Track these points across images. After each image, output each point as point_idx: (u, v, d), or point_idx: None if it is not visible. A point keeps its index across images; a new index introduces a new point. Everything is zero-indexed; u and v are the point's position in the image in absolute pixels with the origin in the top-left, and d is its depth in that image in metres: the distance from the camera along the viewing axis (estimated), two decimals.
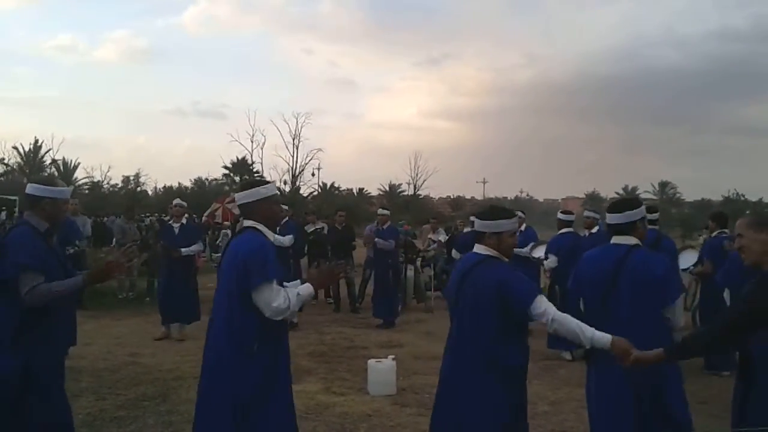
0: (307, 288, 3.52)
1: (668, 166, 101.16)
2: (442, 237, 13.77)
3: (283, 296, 3.33)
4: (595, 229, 8.86)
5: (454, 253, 10.06)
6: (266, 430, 3.33)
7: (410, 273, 12.26)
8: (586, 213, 9.34)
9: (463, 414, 3.51)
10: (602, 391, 3.70)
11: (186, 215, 9.70)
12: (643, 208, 3.92)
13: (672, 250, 7.35)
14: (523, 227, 10.40)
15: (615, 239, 3.85)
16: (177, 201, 9.75)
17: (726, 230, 7.66)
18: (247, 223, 3.55)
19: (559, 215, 9.00)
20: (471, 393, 3.49)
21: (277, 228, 9.99)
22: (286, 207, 10.96)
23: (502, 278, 3.48)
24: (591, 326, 3.38)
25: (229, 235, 19.44)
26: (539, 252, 9.19)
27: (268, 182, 3.64)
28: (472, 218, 8.53)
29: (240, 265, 3.33)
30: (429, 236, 14.09)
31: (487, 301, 3.46)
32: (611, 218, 3.89)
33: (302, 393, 6.35)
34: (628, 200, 4.26)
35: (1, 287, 3.40)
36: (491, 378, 3.46)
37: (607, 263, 3.75)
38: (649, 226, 7.23)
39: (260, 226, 3.53)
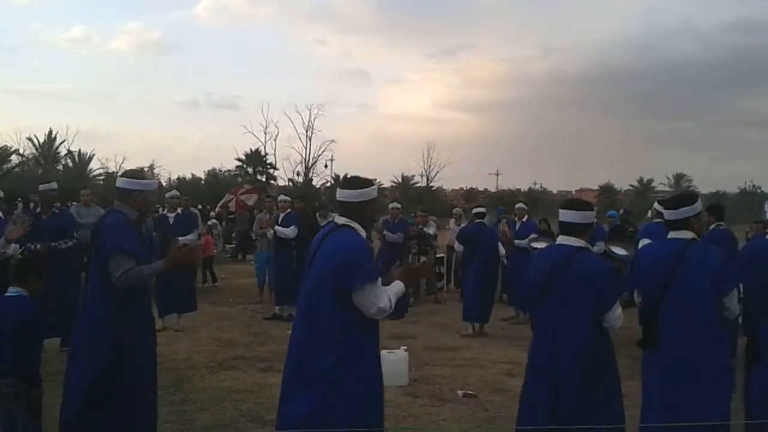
0: (399, 285, 3.49)
1: (684, 159, 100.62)
2: None
3: (387, 297, 3.33)
4: (525, 218, 10.46)
5: (457, 245, 10.05)
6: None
7: None
8: (518, 205, 10.87)
9: None
10: None
11: (181, 206, 9.82)
12: (698, 203, 3.99)
13: None
14: (524, 219, 10.51)
15: (672, 234, 3.94)
16: (172, 193, 9.92)
17: (722, 222, 7.63)
18: (342, 220, 3.48)
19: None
20: None
21: (279, 218, 10.03)
22: (289, 198, 10.96)
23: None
24: (647, 319, 3.63)
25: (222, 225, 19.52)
26: (542, 244, 9.19)
27: (373, 182, 3.64)
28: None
29: (340, 264, 3.28)
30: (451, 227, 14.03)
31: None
32: (666, 214, 4.01)
33: None
34: (685, 196, 4.26)
35: (101, 268, 3.74)
36: None
37: (666, 258, 3.82)
38: (658, 220, 7.32)
39: (355, 225, 3.47)
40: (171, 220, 9.35)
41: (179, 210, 9.61)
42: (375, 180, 3.68)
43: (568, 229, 3.76)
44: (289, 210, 10.28)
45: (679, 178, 64.24)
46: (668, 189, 62.14)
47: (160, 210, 9.65)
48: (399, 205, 11.53)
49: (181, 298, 9.08)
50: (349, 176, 3.58)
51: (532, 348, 3.74)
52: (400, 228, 10.80)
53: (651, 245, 4.27)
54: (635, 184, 64.32)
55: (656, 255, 3.98)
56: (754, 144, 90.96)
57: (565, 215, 3.77)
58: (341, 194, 3.51)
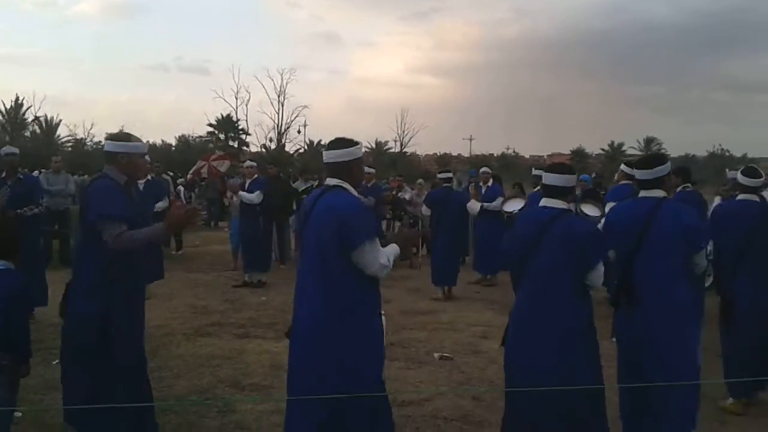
0: (394, 248, 3.56)
1: (655, 123, 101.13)
2: None
3: (386, 254, 3.42)
4: (490, 183, 10.76)
5: (424, 209, 10.07)
6: (365, 382, 3.37)
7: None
8: (483, 170, 11.27)
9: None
10: None
11: (152, 173, 9.65)
12: (669, 164, 4.11)
13: None
14: (489, 183, 10.66)
15: (643, 193, 4.03)
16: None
17: (689, 185, 7.76)
18: (333, 181, 3.53)
19: (535, 171, 9.17)
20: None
21: (246, 184, 9.96)
22: (255, 164, 10.89)
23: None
24: (621, 276, 3.73)
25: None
26: (513, 206, 9.30)
27: (357, 142, 3.65)
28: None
29: (336, 225, 3.33)
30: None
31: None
32: (638, 174, 4.09)
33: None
34: (655, 156, 4.34)
35: (89, 234, 3.68)
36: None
37: (638, 215, 3.93)
38: (626, 182, 7.42)
39: (346, 185, 3.51)
40: (141, 187, 9.17)
41: (149, 176, 9.41)
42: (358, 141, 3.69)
43: (551, 191, 3.79)
44: (255, 176, 10.21)
45: (649, 141, 64.86)
46: (638, 153, 62.66)
47: None
48: (372, 170, 11.50)
49: (148, 265, 8.91)
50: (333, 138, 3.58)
51: (516, 308, 3.77)
52: (372, 192, 10.77)
53: (622, 204, 4.35)
54: (606, 148, 64.86)
55: (629, 213, 4.07)
56: (725, 107, 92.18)
57: (549, 178, 3.80)
58: (327, 155, 3.56)
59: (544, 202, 3.81)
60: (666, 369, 3.76)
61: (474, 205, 9.84)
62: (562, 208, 3.72)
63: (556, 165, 4.03)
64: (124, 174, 3.88)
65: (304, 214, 3.58)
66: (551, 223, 3.63)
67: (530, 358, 3.60)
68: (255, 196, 9.79)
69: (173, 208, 3.94)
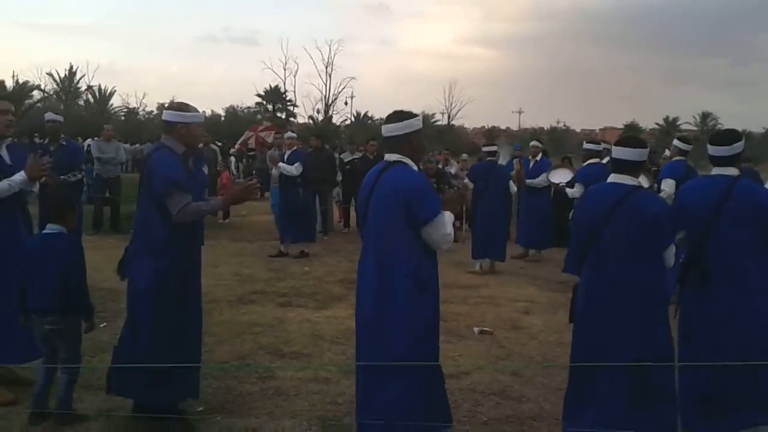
0: (450, 216, 3.53)
1: (710, 98, 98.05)
2: None
3: (450, 225, 3.43)
4: (539, 157, 10.63)
5: (468, 182, 9.91)
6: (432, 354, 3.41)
7: None
8: (533, 143, 11.28)
9: None
10: None
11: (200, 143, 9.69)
12: (743, 140, 4.00)
13: None
14: (538, 157, 10.45)
15: (717, 170, 3.94)
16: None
17: (749, 161, 7.51)
18: (393, 157, 3.48)
19: (586, 145, 8.92)
20: None
21: (285, 156, 9.95)
22: (295, 135, 10.88)
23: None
24: (693, 254, 3.69)
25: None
26: (559, 177, 9.13)
27: (416, 114, 3.60)
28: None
29: (404, 202, 3.31)
30: None
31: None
32: (715, 150, 3.95)
33: (333, 318, 6.48)
34: (732, 133, 4.16)
35: (153, 202, 3.76)
36: None
37: (713, 193, 3.82)
38: (679, 158, 7.20)
39: (407, 160, 3.48)
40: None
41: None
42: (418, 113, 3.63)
43: (621, 166, 3.69)
44: (295, 147, 10.21)
45: (705, 117, 62.95)
46: (694, 128, 61.00)
47: None
48: None
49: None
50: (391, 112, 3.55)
51: (585, 286, 3.70)
52: None
53: (695, 182, 4.27)
54: (661, 122, 63.12)
55: (703, 191, 3.95)
56: None
57: (619, 152, 3.70)
58: (386, 129, 3.51)
59: (613, 177, 3.72)
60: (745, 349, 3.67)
61: (512, 186, 9.64)
62: (633, 185, 3.62)
63: (625, 138, 3.94)
64: (183, 144, 3.90)
65: (365, 190, 3.53)
66: (622, 201, 3.54)
67: (604, 335, 3.55)
68: (294, 168, 9.78)
69: (232, 184, 4.00)
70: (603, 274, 3.59)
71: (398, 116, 3.52)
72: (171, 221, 3.72)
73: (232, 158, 23.21)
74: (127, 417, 3.90)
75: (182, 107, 3.96)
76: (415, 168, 3.49)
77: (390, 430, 3.29)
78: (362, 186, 3.63)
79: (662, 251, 3.54)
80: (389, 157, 3.50)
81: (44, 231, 4.07)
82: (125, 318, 3.97)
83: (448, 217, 3.46)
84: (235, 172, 22.94)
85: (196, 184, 3.96)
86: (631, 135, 4.35)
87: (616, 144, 3.78)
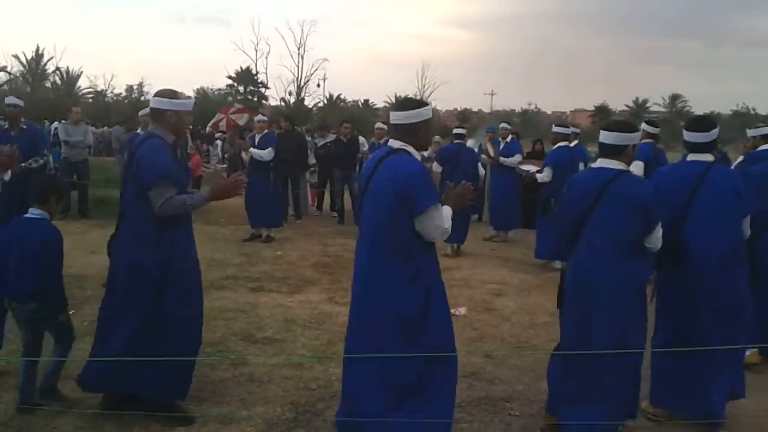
0: (448, 210, 3.47)
1: (681, 79, 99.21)
2: None
3: (448, 218, 3.38)
4: (509, 139, 10.67)
5: (435, 166, 9.88)
6: (433, 340, 3.37)
7: None
8: (502, 125, 11.19)
9: None
10: None
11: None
12: (717, 128, 4.09)
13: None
14: (509, 138, 10.53)
15: (693, 156, 4.03)
16: (147, 110, 9.31)
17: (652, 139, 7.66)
18: (397, 144, 3.42)
19: (555, 128, 8.96)
20: None
21: (256, 140, 9.81)
22: (265, 118, 10.69)
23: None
24: (670, 236, 3.73)
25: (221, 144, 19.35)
26: (529, 167, 9.22)
27: (427, 103, 3.54)
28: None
29: (401, 190, 3.26)
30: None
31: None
32: (693, 137, 4.03)
33: (306, 303, 6.46)
34: (709, 119, 4.25)
35: (141, 190, 3.66)
36: None
37: (688, 178, 3.94)
38: (647, 140, 7.27)
39: (410, 149, 3.42)
40: None
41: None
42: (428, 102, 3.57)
43: (608, 150, 3.69)
44: (266, 131, 10.05)
45: (674, 98, 63.71)
46: (663, 110, 61.74)
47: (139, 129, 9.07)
48: (385, 126, 11.27)
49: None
50: (402, 98, 3.50)
51: (572, 269, 3.72)
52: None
53: (670, 167, 4.37)
54: (630, 104, 63.75)
55: (678, 176, 4.03)
56: (753, 64, 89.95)
57: (605, 136, 3.70)
58: (395, 116, 3.45)
59: (601, 162, 3.72)
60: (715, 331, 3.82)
61: (480, 169, 9.64)
62: (620, 169, 3.63)
63: (612, 123, 3.96)
64: (172, 132, 3.82)
65: (365, 177, 3.49)
66: (609, 185, 3.55)
67: (586, 319, 3.59)
68: (266, 153, 9.61)
69: (220, 179, 3.92)
70: (591, 259, 3.60)
71: (408, 104, 3.49)
72: (160, 219, 3.66)
73: (219, 142, 22.81)
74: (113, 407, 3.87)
75: (172, 94, 3.83)
76: (418, 157, 3.45)
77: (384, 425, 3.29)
78: (362, 173, 3.60)
79: (648, 234, 3.56)
80: (393, 143, 3.45)
81: (25, 215, 3.97)
82: (103, 306, 3.90)
83: (446, 210, 3.42)
84: (221, 156, 22.66)
85: (183, 175, 3.90)
86: (618, 120, 4.39)
87: (603, 128, 3.78)
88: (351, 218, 11.83)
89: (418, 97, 57.54)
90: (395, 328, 3.30)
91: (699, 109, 60.30)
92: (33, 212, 3.92)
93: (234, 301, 6.46)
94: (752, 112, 53.25)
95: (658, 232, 3.58)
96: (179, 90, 3.89)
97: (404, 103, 3.51)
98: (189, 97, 3.97)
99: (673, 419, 4.01)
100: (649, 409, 4.04)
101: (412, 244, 3.31)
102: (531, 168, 9.20)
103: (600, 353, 3.44)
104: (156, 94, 3.87)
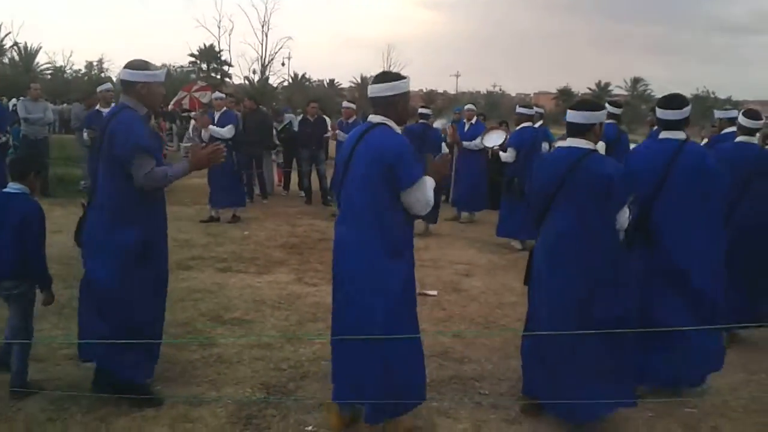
0: (430, 181, 3.45)
1: (643, 63, 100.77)
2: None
3: (431, 191, 3.37)
4: (474, 120, 10.61)
5: None
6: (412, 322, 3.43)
7: None
8: (468, 107, 11.12)
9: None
10: None
11: (114, 102, 9.16)
12: (689, 106, 4.16)
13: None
14: (473, 120, 10.55)
15: (666, 134, 4.09)
16: (106, 86, 9.05)
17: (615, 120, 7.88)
18: (377, 118, 3.40)
19: (519, 109, 9.01)
20: None
21: (215, 118, 9.62)
22: (224, 96, 10.43)
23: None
24: (640, 216, 3.84)
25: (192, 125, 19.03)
26: (493, 140, 9.25)
27: (405, 76, 3.50)
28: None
29: (387, 165, 3.23)
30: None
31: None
32: (666, 114, 4.10)
33: (274, 283, 6.43)
34: (681, 97, 4.26)
35: (116, 167, 3.59)
36: None
37: (661, 156, 3.99)
38: (610, 121, 7.37)
39: (391, 123, 3.40)
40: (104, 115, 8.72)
41: (113, 105, 8.91)
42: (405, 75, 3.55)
43: (575, 130, 3.71)
44: (225, 108, 9.82)
45: (636, 82, 64.62)
46: (625, 93, 62.58)
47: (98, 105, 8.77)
48: (353, 105, 11.18)
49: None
50: (380, 72, 3.44)
51: (541, 248, 3.75)
52: (354, 128, 10.51)
53: (644, 145, 4.45)
54: (593, 87, 64.46)
55: (652, 154, 4.08)
56: (715, 49, 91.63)
57: (572, 116, 3.72)
58: (373, 89, 3.42)
59: (569, 142, 3.74)
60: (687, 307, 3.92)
61: (443, 149, 9.64)
62: (588, 148, 3.65)
63: (579, 102, 3.98)
64: (144, 104, 3.75)
65: (346, 151, 3.45)
66: (578, 163, 3.57)
67: (560, 292, 3.61)
68: (226, 131, 9.42)
69: (197, 148, 3.85)
70: (560, 237, 3.63)
71: (385, 77, 3.46)
72: (136, 189, 3.59)
73: (193, 121, 22.39)
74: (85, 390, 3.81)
75: (143, 65, 3.75)
76: (398, 131, 3.44)
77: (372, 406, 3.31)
78: (342, 147, 3.56)
79: (615, 213, 3.59)
80: (373, 118, 3.43)
81: (4, 189, 3.87)
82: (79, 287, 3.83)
83: (429, 182, 3.41)
84: (191, 134, 22.21)
85: (159, 147, 3.84)
86: (585, 99, 4.42)
87: (570, 108, 3.80)
88: (318, 198, 11.79)
89: None
90: (382, 310, 3.29)
91: (660, 92, 60.98)
92: (12, 187, 3.83)
93: (201, 281, 6.39)
94: (712, 95, 54.30)
95: (625, 212, 3.62)
96: (113, 65, 3.84)
97: (383, 76, 3.48)
98: (160, 68, 3.88)
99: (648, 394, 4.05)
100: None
101: (396, 219, 3.32)
102: (495, 141, 9.25)
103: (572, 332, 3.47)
104: (126, 66, 3.76)
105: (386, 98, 3.39)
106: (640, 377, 3.92)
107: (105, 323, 3.66)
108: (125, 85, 3.74)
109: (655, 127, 5.41)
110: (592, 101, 4.10)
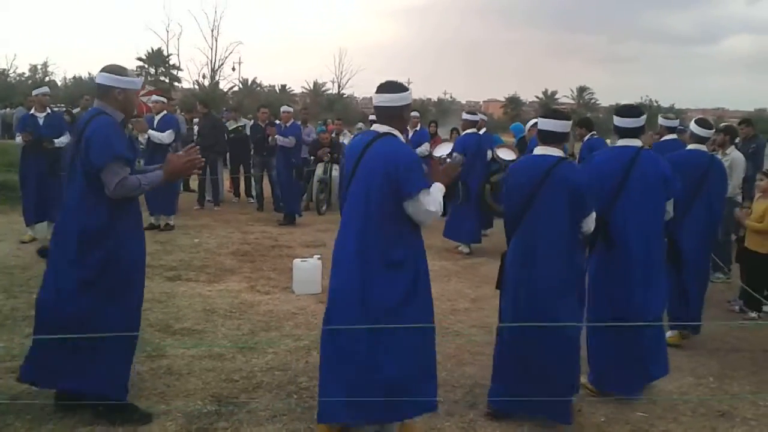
0: (440, 188, 3.42)
1: (588, 72, 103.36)
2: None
3: (438, 200, 3.34)
4: (418, 127, 11.14)
5: None
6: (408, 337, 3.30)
7: (335, 173, 11.92)
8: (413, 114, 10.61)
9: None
10: None
11: (50, 106, 8.85)
12: (645, 115, 4.31)
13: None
14: (417, 127, 10.74)
15: (623, 142, 4.22)
16: (42, 89, 8.76)
17: (595, 132, 8.66)
18: (383, 128, 3.38)
19: (464, 116, 9.17)
20: None
21: (154, 121, 9.34)
22: (164, 99, 10.18)
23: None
24: (602, 218, 3.96)
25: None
26: (442, 151, 9.36)
27: (408, 87, 3.51)
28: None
29: (392, 175, 3.21)
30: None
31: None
32: (623, 122, 4.23)
33: (226, 292, 6.31)
34: (637, 107, 4.46)
35: (93, 177, 3.44)
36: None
37: (620, 162, 4.12)
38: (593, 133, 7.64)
39: (396, 132, 3.39)
40: (41, 121, 8.20)
41: (49, 109, 8.48)
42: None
43: (547, 138, 3.78)
44: (164, 112, 9.57)
45: (581, 90, 66.07)
46: (571, 101, 63.97)
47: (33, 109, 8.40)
48: (290, 109, 10.99)
49: (53, 204, 7.83)
50: (384, 81, 3.40)
51: (513, 254, 3.80)
52: (291, 132, 10.36)
53: (603, 152, 4.58)
54: (540, 95, 65.69)
55: (612, 161, 4.21)
56: (658, 59, 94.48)
57: (544, 124, 3.80)
58: (381, 99, 3.40)
59: (541, 150, 3.80)
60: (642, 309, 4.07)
61: None
62: (559, 156, 3.72)
63: (551, 111, 4.07)
64: (120, 110, 3.64)
65: (351, 162, 3.41)
66: (550, 171, 3.64)
67: (531, 300, 3.68)
68: (165, 136, 9.18)
69: (173, 157, 3.71)
70: (532, 243, 3.70)
71: (393, 87, 3.43)
72: (113, 200, 3.46)
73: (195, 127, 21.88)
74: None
75: (120, 70, 3.66)
76: (403, 140, 3.45)
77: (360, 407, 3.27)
78: (347, 158, 3.53)
79: (583, 219, 3.69)
80: (378, 128, 3.41)
81: None
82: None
83: (436, 189, 3.41)
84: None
85: (134, 155, 3.72)
86: (556, 108, 4.54)
87: (542, 116, 3.90)
88: (270, 205, 11.65)
89: (336, 84, 57.79)
90: (379, 313, 3.27)
91: (605, 101, 63.07)
92: None
93: (149, 290, 6.14)
94: (655, 104, 55.88)
95: (592, 216, 3.73)
96: (96, 69, 3.69)
97: (390, 86, 3.44)
98: (137, 75, 3.79)
99: (607, 394, 4.16)
100: (588, 385, 4.22)
101: (402, 229, 3.30)
102: (444, 151, 9.36)
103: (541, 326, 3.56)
104: (103, 70, 3.66)
105: (393, 108, 3.39)
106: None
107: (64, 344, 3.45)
108: (102, 90, 3.63)
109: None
110: (563, 111, 4.25)
